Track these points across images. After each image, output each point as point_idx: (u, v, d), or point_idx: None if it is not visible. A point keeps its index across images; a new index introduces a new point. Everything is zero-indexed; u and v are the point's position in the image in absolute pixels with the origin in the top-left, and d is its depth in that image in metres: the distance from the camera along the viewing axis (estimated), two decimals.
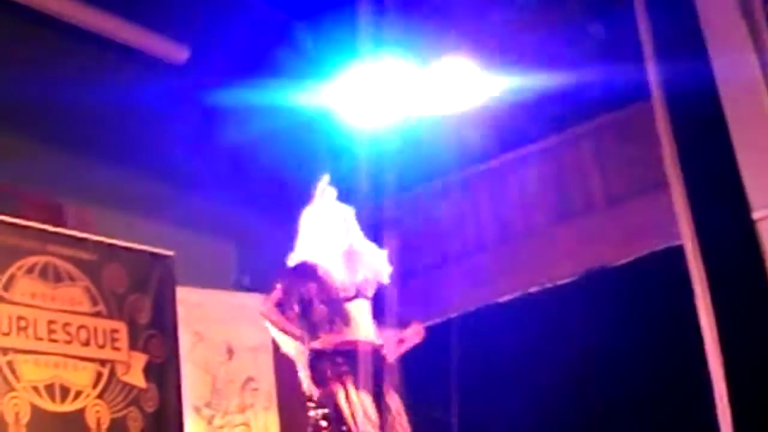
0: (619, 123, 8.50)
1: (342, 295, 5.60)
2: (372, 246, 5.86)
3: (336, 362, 5.44)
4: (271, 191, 8.69)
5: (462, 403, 8.49)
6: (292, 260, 5.77)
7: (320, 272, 5.62)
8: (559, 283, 8.52)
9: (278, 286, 5.67)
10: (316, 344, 5.49)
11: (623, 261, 8.23)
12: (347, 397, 5.37)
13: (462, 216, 9.10)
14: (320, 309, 5.53)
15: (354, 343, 5.49)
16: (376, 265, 5.78)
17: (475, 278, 8.86)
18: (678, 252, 7.60)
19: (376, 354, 5.56)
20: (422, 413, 8.61)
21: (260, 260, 8.72)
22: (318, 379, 5.48)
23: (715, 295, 7.06)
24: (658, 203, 7.85)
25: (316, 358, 5.50)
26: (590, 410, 8.10)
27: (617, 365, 7.99)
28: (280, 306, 5.64)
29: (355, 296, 5.64)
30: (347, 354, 5.46)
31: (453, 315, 8.90)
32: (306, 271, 5.65)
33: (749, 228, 6.91)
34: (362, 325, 5.60)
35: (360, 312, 5.63)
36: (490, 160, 9.05)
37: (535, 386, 8.24)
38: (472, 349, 8.67)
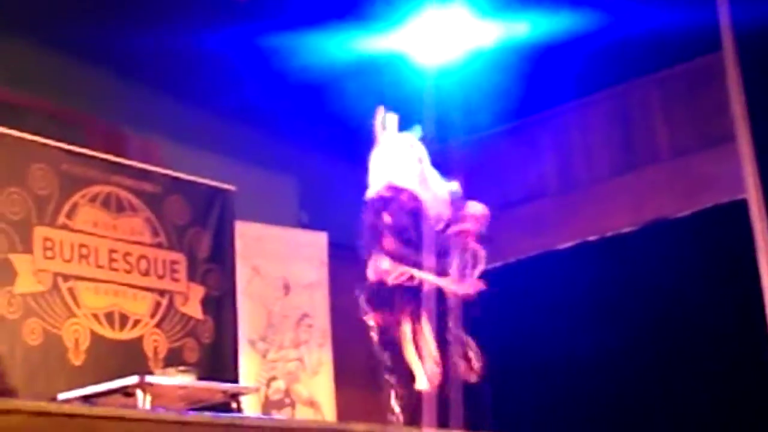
0: (689, 74, 8.41)
1: (434, 225, 5.36)
2: (439, 177, 5.57)
3: (403, 295, 5.24)
4: (337, 131, 8.69)
5: (519, 348, 8.51)
6: (374, 186, 5.48)
7: (412, 198, 5.36)
8: (620, 232, 8.48)
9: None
10: (385, 275, 5.26)
11: (685, 213, 8.16)
12: (412, 330, 5.19)
13: (525, 161, 9.07)
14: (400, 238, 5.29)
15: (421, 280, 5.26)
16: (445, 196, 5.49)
17: (536, 224, 8.83)
18: (742, 206, 7.53)
19: (441, 292, 5.28)
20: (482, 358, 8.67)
21: (321, 199, 8.76)
22: (381, 309, 5.28)
23: None
24: (723, 156, 7.77)
25: (383, 289, 5.28)
26: (645, 359, 8.09)
27: (675, 317, 7.96)
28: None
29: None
30: (414, 290, 5.25)
31: (512, 260, 8.89)
32: (396, 195, 5.38)
33: None
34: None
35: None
36: (555, 106, 8.98)
37: (589, 334, 8.23)
38: (530, 294, 8.67)
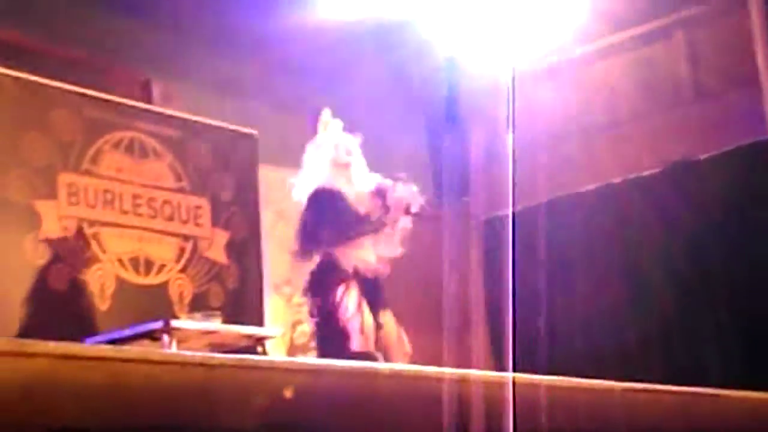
0: (712, 14, 8.32)
1: (362, 211, 5.85)
2: (375, 179, 6.01)
3: (341, 272, 5.73)
4: (359, 75, 8.65)
5: (542, 292, 8.51)
6: (302, 190, 6.03)
7: (337, 194, 5.84)
8: (644, 174, 8.44)
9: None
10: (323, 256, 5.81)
11: (709, 154, 8.12)
12: (346, 297, 5.65)
13: (548, 103, 9.00)
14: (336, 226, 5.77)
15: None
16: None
17: (560, 166, 8.79)
18: (765, 146, 7.50)
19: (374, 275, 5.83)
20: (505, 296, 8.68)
21: None
22: (320, 284, 5.77)
23: None
24: (747, 97, 7.71)
25: (321, 269, 5.80)
26: (669, 301, 8.08)
27: (699, 258, 7.94)
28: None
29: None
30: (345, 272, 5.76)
31: (536, 203, 8.87)
32: (322, 195, 5.86)
33: None
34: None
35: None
36: (578, 47, 8.91)
37: (614, 276, 8.22)
38: (554, 237, 8.66)
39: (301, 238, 5.92)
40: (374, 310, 5.77)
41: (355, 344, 5.55)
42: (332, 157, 5.97)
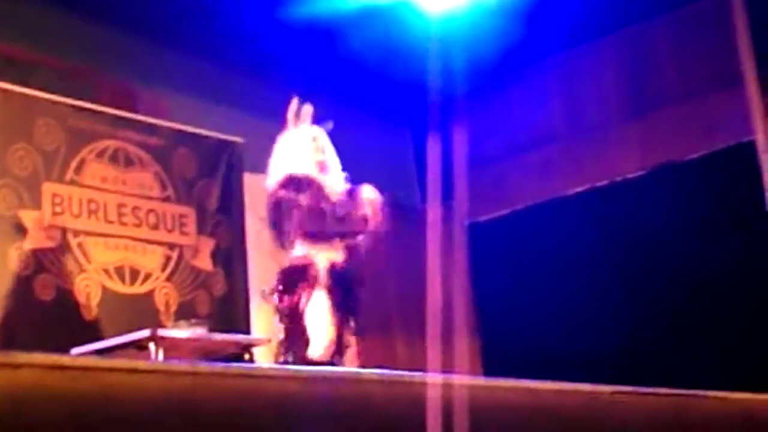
0: (696, 16, 8.34)
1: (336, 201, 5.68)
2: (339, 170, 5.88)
3: (309, 274, 5.56)
4: (344, 80, 8.65)
5: (528, 293, 8.53)
6: (274, 178, 5.81)
7: (312, 181, 5.66)
8: (629, 176, 8.46)
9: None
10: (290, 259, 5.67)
11: (694, 156, 8.14)
12: (310, 302, 5.51)
13: (533, 106, 9.02)
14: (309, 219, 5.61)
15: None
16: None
17: (544, 170, 8.81)
18: (751, 148, 7.52)
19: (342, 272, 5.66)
20: (491, 302, 8.71)
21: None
22: (286, 286, 5.62)
23: None
24: (732, 98, 7.73)
25: (289, 271, 5.64)
26: (656, 304, 8.10)
27: (685, 260, 7.96)
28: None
29: None
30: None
31: (521, 206, 8.89)
32: (294, 183, 5.69)
33: None
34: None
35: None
36: (563, 50, 8.93)
37: (600, 279, 8.24)
38: (539, 240, 8.68)
39: (271, 226, 5.77)
40: (344, 315, 5.67)
41: (314, 352, 5.47)
42: (305, 149, 5.80)
